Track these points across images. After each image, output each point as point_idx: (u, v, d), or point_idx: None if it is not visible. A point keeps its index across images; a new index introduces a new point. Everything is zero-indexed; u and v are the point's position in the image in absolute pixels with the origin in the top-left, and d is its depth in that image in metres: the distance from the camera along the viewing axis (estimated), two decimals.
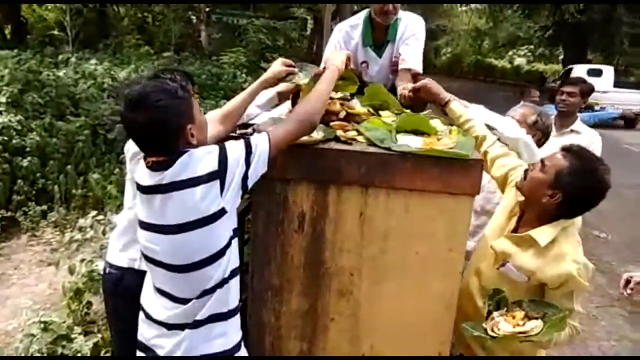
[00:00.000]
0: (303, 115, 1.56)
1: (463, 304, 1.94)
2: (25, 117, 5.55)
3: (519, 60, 28.89)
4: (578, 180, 1.64)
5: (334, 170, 1.65)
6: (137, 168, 1.57)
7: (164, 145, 1.42)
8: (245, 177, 1.44)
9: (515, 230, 1.82)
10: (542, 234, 1.70)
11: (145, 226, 1.48)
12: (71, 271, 3.25)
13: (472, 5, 20.35)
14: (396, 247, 1.70)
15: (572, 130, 3.25)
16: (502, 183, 1.99)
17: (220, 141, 1.94)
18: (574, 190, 1.65)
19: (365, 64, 2.71)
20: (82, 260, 3.27)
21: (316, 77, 1.83)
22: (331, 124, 1.85)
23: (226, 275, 1.48)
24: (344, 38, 2.65)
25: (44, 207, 4.92)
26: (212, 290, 1.46)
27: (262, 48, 11.31)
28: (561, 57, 24.59)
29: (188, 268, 1.44)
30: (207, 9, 14.25)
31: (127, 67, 8.68)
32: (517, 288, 1.74)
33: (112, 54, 10.60)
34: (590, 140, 3.13)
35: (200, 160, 1.41)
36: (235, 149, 1.45)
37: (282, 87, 2.07)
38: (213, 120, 1.75)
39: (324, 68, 1.85)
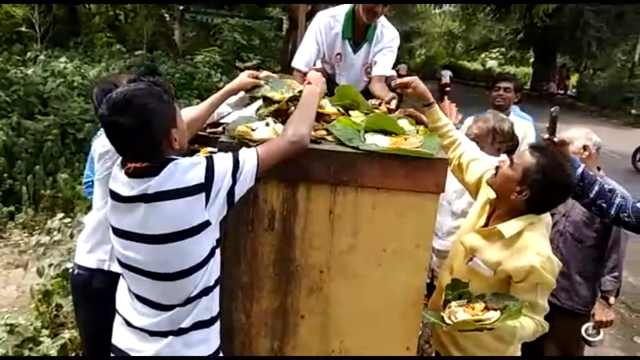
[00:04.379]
0: (296, 136, 1.53)
1: (437, 299, 1.99)
2: None
3: (491, 63, 29.50)
4: (545, 177, 1.70)
5: (304, 169, 1.67)
6: (109, 175, 1.53)
7: (149, 151, 1.40)
8: (231, 192, 1.44)
9: (485, 226, 1.88)
10: (508, 226, 1.76)
11: (124, 235, 1.46)
12: (40, 273, 3.19)
13: (445, 8, 20.68)
14: (364, 244, 1.73)
15: None
16: (476, 187, 2.04)
17: (191, 141, 1.95)
18: (540, 186, 1.71)
19: (339, 56, 2.76)
20: (50, 265, 3.21)
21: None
22: None
23: (210, 284, 1.50)
24: (325, 26, 2.69)
25: (12, 208, 4.80)
26: (196, 297, 1.47)
27: (237, 48, 11.26)
28: (532, 60, 25.22)
29: (172, 277, 1.43)
30: (181, 7, 14.08)
31: (98, 65, 8.53)
32: (485, 282, 1.79)
33: (82, 52, 10.39)
34: (525, 130, 3.24)
35: (186, 171, 1.40)
36: (222, 163, 1.44)
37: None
38: None
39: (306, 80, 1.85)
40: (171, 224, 1.39)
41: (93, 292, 2.03)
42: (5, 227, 4.65)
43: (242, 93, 2.16)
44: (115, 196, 1.46)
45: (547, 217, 1.88)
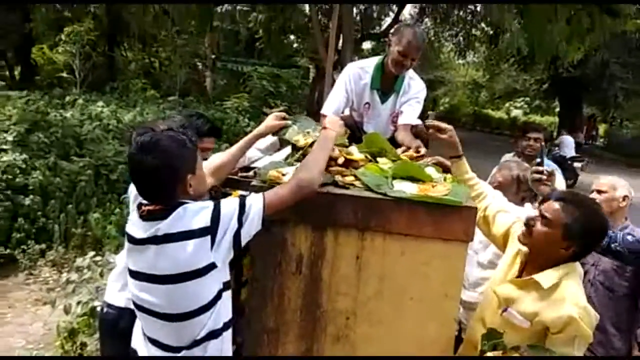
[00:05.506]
0: (304, 181, 1.58)
1: (465, 352, 1.94)
2: (30, 157, 5.64)
3: (516, 112, 29.47)
4: (587, 227, 1.71)
5: (332, 214, 1.70)
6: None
7: (164, 191, 1.50)
8: (237, 235, 1.50)
9: (519, 276, 1.85)
10: (546, 277, 1.74)
11: (138, 276, 1.53)
12: (66, 311, 3.24)
13: (469, 59, 20.95)
14: (391, 292, 1.73)
15: None
16: (503, 239, 2.03)
17: (221, 184, 2.02)
18: (586, 237, 1.72)
19: (368, 105, 2.85)
20: (79, 303, 3.27)
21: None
22: (330, 169, 1.92)
23: (218, 327, 1.53)
24: (354, 76, 2.80)
25: (43, 245, 4.93)
26: (203, 340, 1.51)
27: (265, 94, 11.58)
28: (557, 109, 25.12)
29: (178, 317, 1.49)
30: (213, 56, 14.70)
31: (133, 110, 8.87)
32: (520, 334, 1.74)
33: (118, 97, 10.84)
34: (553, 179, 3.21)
35: (194, 214, 1.48)
36: (228, 207, 1.51)
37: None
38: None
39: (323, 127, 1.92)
40: (178, 266, 1.45)
41: (120, 331, 2.05)
42: (36, 264, 4.77)
43: (271, 137, 2.25)
44: (130, 239, 1.55)
45: (579, 266, 1.85)
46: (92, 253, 3.83)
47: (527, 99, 28.14)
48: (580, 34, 11.67)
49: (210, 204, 1.51)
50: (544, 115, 28.31)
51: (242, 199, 1.54)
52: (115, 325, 2.08)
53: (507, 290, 1.83)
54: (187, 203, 1.50)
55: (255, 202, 1.53)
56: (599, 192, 2.56)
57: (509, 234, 2.00)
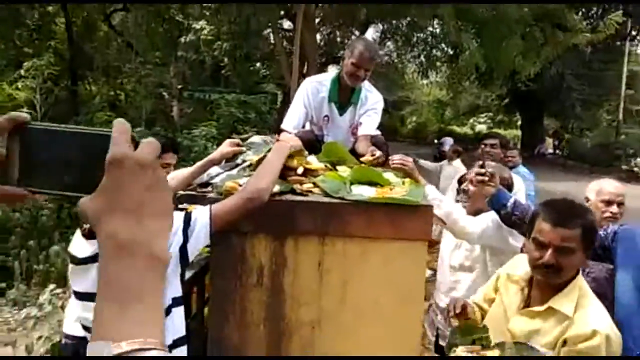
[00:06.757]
0: (253, 192, 1.54)
1: None
2: None
3: (480, 127, 30.25)
4: (594, 230, 1.66)
5: (291, 221, 1.69)
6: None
7: None
8: (183, 249, 1.45)
9: (526, 305, 1.71)
10: (566, 303, 1.60)
11: (83, 297, 1.49)
12: (28, 351, 3.08)
13: (432, 78, 21.50)
14: (355, 297, 1.71)
15: None
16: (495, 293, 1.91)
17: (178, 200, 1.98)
18: (594, 237, 1.67)
19: (327, 118, 2.88)
20: (39, 338, 3.12)
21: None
22: (289, 179, 1.91)
23: (168, 343, 1.47)
24: (312, 90, 2.83)
25: (3, 284, 4.71)
26: None
27: (233, 121, 11.57)
28: (519, 122, 25.94)
29: None
30: (179, 86, 14.67)
31: None
32: None
33: None
34: (517, 186, 3.27)
35: None
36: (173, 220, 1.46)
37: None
38: None
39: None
40: None
41: None
42: None
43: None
44: (73, 259, 1.51)
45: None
46: (53, 286, 3.68)
47: (490, 114, 28.99)
48: (535, 48, 12.17)
49: None
50: (507, 129, 29.13)
51: (188, 213, 1.49)
52: (75, 356, 1.99)
53: (522, 324, 1.67)
54: None
55: (201, 216, 1.49)
56: (620, 205, 2.45)
57: (494, 288, 1.89)
